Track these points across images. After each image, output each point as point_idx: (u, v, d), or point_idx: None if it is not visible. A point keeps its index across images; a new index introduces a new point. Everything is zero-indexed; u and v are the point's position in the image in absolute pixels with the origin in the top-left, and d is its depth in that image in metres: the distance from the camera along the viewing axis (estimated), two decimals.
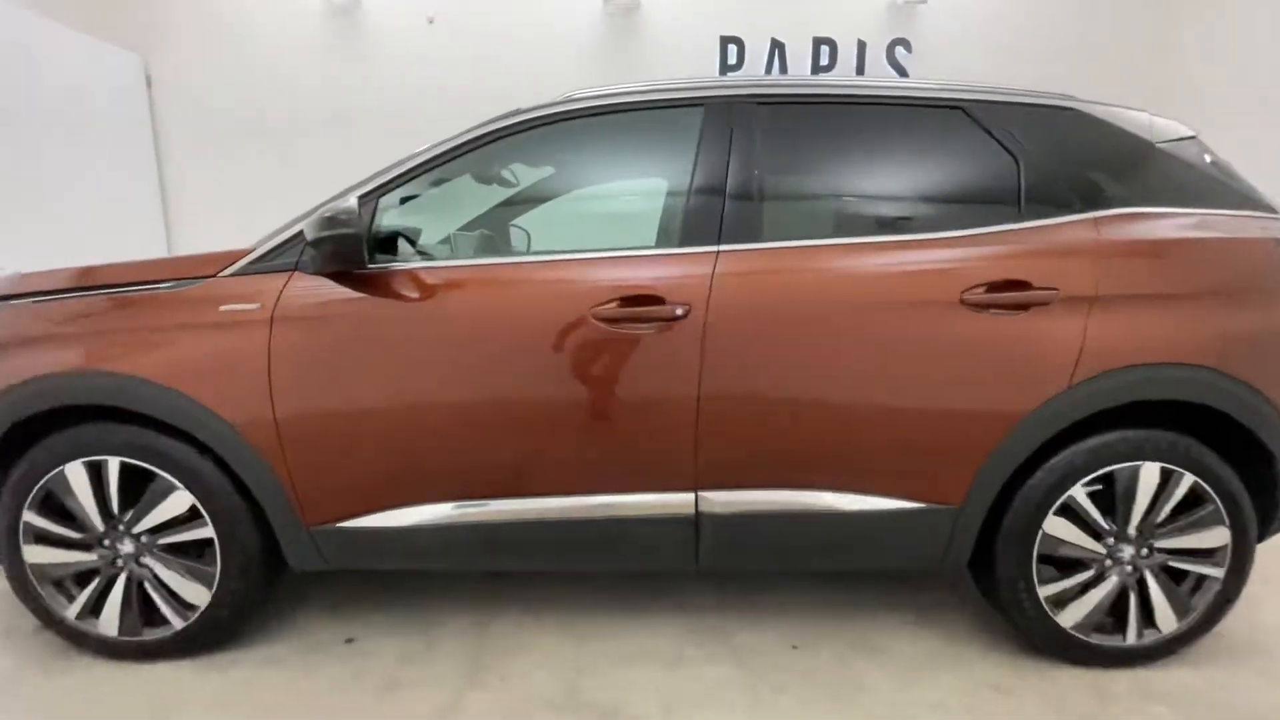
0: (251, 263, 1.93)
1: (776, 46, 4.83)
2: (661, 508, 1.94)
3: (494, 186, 2.64)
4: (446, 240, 2.56)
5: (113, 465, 1.91)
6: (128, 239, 4.66)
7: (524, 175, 2.65)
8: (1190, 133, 2.09)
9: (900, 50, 4.88)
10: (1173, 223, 1.93)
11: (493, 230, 2.71)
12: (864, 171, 2.05)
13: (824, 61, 4.86)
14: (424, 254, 2.18)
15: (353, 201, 1.77)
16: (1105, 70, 4.85)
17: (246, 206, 4.53)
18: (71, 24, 4.24)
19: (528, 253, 2.67)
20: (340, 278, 1.89)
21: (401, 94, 4.90)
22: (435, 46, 4.91)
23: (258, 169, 4.93)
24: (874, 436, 1.90)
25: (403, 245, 2.10)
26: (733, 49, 4.85)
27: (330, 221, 1.74)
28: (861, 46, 4.86)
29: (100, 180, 4.44)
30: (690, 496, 1.94)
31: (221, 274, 1.92)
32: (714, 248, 1.90)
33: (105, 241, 4.37)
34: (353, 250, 1.79)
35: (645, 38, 4.93)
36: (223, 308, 1.88)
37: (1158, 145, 2.03)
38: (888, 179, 2.05)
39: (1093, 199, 1.94)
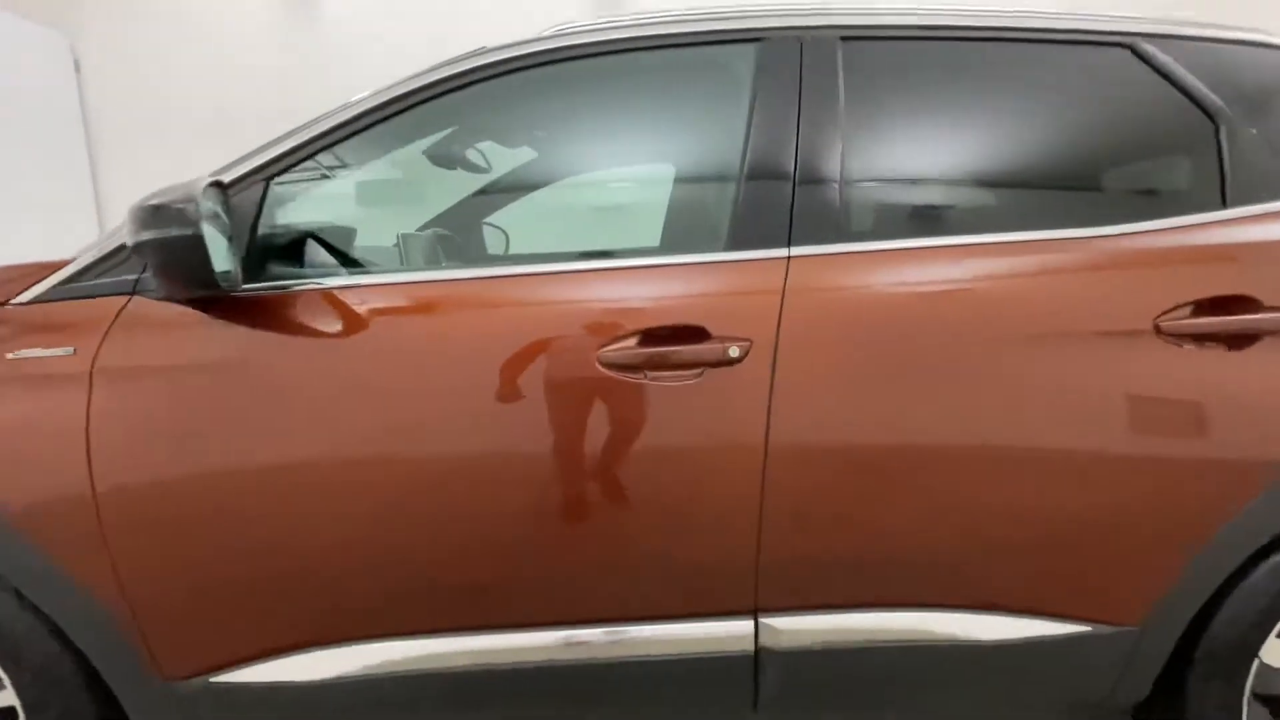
0: (64, 283, 1.17)
1: None
2: (704, 643, 1.22)
3: (458, 171, 1.90)
4: (396, 245, 1.82)
5: None
6: (55, 243, 3.85)
7: (499, 158, 1.91)
8: None
9: None
10: None
11: (457, 231, 1.98)
12: (997, 139, 1.33)
13: None
14: (357, 266, 1.43)
15: (197, 185, 1.02)
16: None
17: None
18: None
19: (499, 262, 1.90)
20: (205, 305, 1.14)
21: (365, 84, 4.10)
22: (402, 31, 4.12)
23: (202, 166, 4.07)
24: (1025, 529, 1.20)
25: (320, 255, 1.35)
26: None
27: (157, 215, 0.99)
28: None
29: (21, 175, 3.63)
30: (747, 625, 1.22)
31: (13, 301, 1.16)
32: (782, 252, 1.18)
33: (29, 246, 3.56)
34: (192, 262, 1.02)
35: None
36: (13, 355, 1.12)
37: None
38: (1030, 149, 1.33)
39: None
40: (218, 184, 1.06)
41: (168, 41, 4.06)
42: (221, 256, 1.08)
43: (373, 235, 1.78)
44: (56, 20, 3.94)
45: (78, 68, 4.05)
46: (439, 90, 1.22)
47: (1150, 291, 1.17)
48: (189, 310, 1.13)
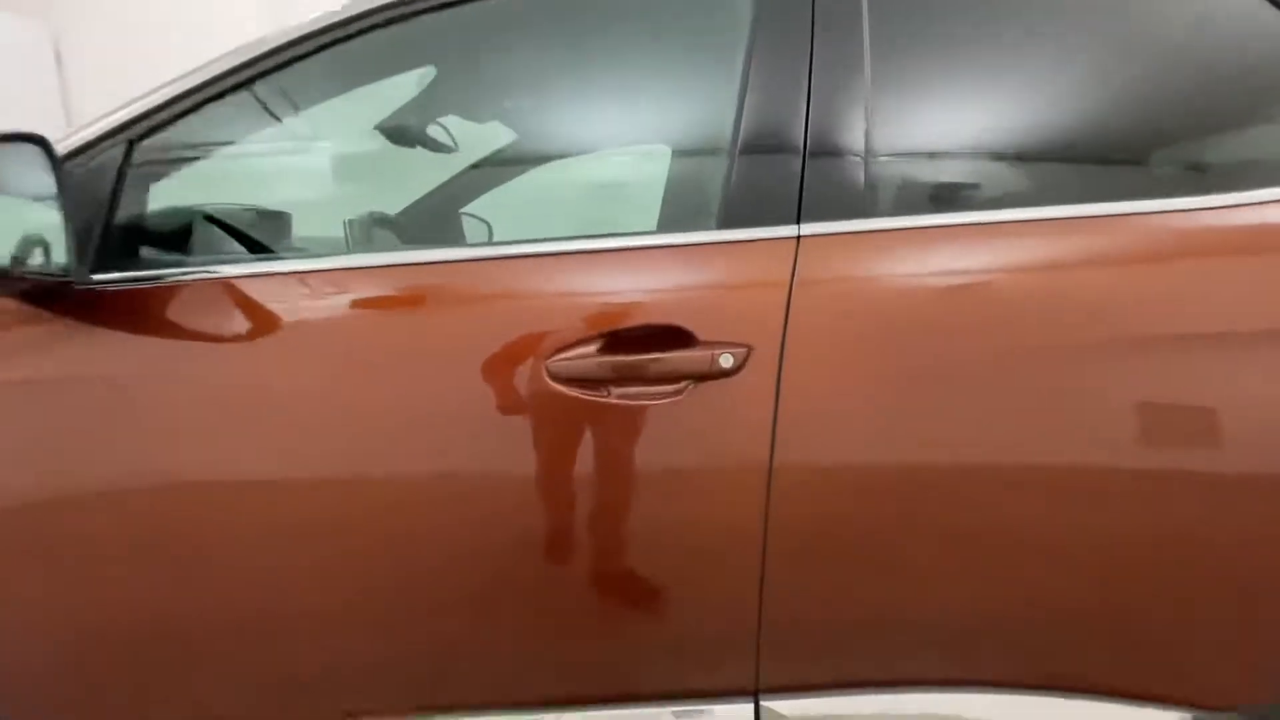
0: None
1: None
2: None
3: (419, 150, 1.62)
4: (345, 235, 1.54)
5: None
6: None
7: (468, 137, 1.63)
8: None
9: None
10: None
11: (426, 222, 1.70)
12: (1068, 89, 1.02)
13: None
14: (275, 255, 1.15)
15: None
16: None
17: None
18: None
19: (419, 247, 1.57)
20: (42, 301, 0.87)
21: None
22: None
23: None
24: (1102, 583, 0.91)
25: (219, 241, 1.08)
26: None
27: None
28: None
29: None
30: (746, 710, 0.94)
31: None
32: (790, 230, 0.89)
33: None
34: None
35: None
36: None
37: None
38: (1111, 102, 1.02)
39: None
40: (38, 142, 0.79)
41: (150, 34, 3.83)
42: (56, 241, 0.81)
43: (318, 221, 1.51)
44: (37, 11, 3.73)
45: (59, 60, 3.84)
46: (347, 32, 0.95)
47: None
48: (24, 307, 0.86)
